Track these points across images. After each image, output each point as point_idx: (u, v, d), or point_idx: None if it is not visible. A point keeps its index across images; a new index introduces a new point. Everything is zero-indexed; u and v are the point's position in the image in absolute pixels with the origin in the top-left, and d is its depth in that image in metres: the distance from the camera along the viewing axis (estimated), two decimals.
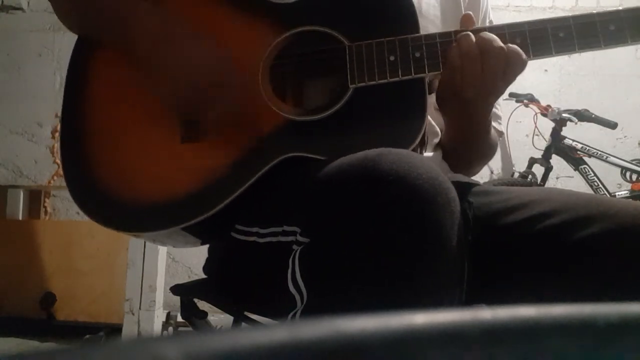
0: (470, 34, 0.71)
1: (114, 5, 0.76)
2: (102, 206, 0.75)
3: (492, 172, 3.07)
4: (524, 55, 0.70)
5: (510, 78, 0.71)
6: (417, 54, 0.71)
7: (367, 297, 0.47)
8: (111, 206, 0.74)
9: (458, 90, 0.71)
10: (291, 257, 0.56)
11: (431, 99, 0.81)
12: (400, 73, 0.71)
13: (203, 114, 0.76)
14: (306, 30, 0.76)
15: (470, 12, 0.75)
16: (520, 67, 0.70)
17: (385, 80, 0.71)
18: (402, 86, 0.71)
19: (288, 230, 0.62)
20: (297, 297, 0.54)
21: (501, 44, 0.69)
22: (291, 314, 0.54)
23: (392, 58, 0.71)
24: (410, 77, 0.71)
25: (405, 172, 0.49)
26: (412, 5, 0.74)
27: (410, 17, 0.73)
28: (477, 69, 0.69)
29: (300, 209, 0.62)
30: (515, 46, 0.70)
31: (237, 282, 0.77)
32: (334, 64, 0.74)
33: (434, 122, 0.86)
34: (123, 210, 0.74)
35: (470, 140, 0.83)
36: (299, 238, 0.57)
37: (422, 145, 0.73)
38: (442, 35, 0.72)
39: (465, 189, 0.75)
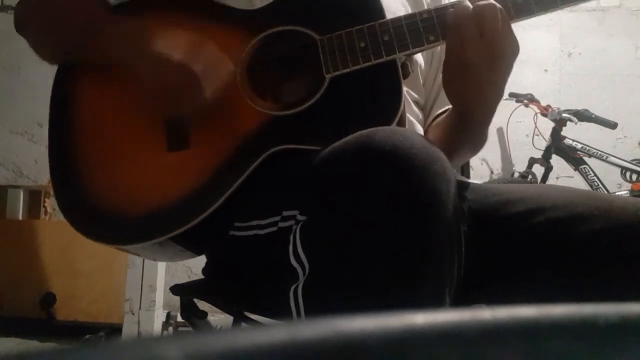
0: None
1: (80, 26, 0.81)
2: (94, 222, 0.76)
3: (492, 172, 3.07)
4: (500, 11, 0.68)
5: (507, 40, 0.68)
6: (386, 37, 0.73)
7: (368, 262, 0.49)
8: (102, 222, 0.76)
9: (462, 57, 0.70)
10: (292, 234, 0.57)
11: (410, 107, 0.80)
12: (372, 57, 0.73)
13: (186, 119, 0.77)
14: (278, 32, 0.78)
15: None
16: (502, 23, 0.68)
17: (359, 66, 0.73)
18: (376, 71, 0.73)
19: (287, 215, 0.64)
20: (299, 269, 0.55)
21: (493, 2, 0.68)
22: (293, 287, 0.55)
23: (362, 44, 0.73)
24: (382, 59, 0.73)
25: (400, 142, 0.51)
26: None
27: (374, 6, 0.75)
28: (475, 31, 0.68)
29: (298, 190, 0.64)
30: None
31: (237, 282, 0.78)
32: (308, 59, 0.76)
33: (412, 117, 0.86)
34: (115, 224, 0.75)
35: (472, 123, 0.81)
36: (299, 217, 0.59)
37: (402, 125, 0.74)
38: (407, 17, 0.74)
39: (459, 185, 0.75)
